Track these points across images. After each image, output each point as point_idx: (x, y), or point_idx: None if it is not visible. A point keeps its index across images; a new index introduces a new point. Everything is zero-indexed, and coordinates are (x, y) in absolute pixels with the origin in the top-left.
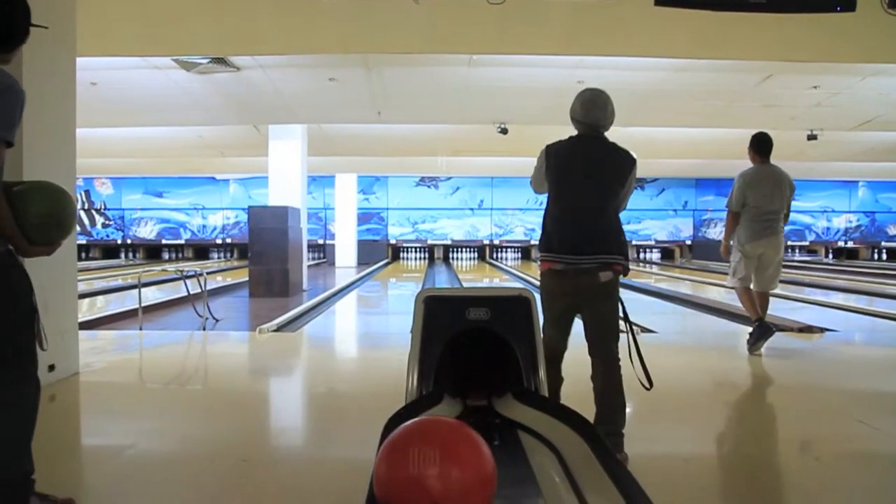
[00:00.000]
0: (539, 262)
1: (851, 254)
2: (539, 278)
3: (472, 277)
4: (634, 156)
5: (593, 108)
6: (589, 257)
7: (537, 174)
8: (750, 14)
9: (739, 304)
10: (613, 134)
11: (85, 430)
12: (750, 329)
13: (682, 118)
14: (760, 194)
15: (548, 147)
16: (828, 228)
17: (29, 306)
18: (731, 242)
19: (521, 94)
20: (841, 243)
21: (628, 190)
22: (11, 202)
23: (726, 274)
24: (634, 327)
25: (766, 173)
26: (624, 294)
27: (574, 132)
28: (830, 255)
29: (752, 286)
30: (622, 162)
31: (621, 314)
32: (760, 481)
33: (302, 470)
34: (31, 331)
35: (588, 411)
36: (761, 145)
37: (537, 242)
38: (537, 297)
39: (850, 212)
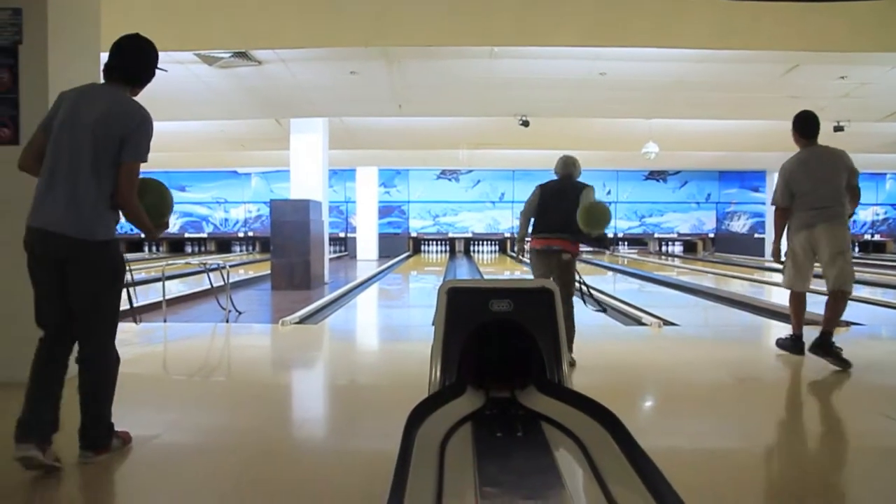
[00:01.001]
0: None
1: (878, 247)
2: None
3: (494, 270)
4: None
5: (566, 168)
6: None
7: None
8: (773, 4)
9: (762, 298)
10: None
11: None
12: (777, 323)
13: (704, 110)
14: (809, 181)
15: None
16: (854, 221)
17: (113, 285)
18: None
19: (542, 87)
20: (868, 236)
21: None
22: None
23: (749, 267)
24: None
25: (814, 156)
26: (646, 287)
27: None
28: (857, 249)
29: (807, 288)
30: (582, 188)
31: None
32: (783, 475)
33: (324, 462)
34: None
35: (609, 403)
36: (805, 125)
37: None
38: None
39: (877, 204)
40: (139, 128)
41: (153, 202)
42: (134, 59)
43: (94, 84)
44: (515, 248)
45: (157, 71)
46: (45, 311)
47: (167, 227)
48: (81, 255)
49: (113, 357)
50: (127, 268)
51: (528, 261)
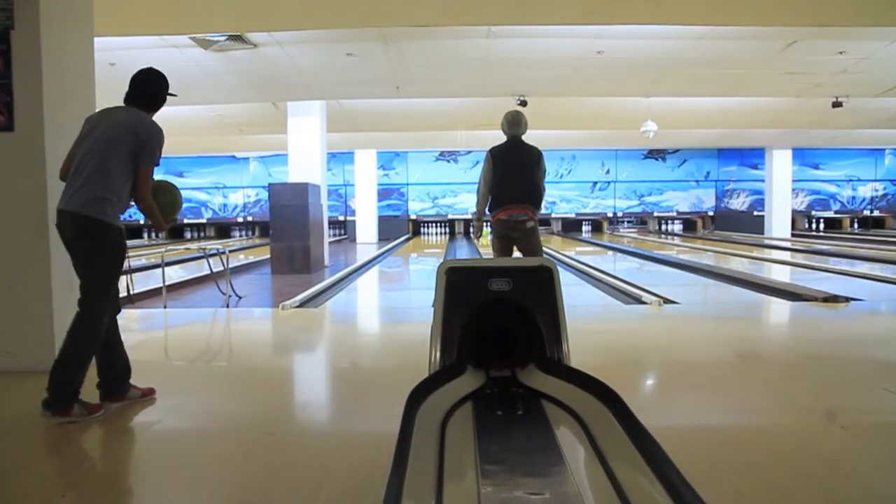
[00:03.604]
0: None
1: (877, 223)
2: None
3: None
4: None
5: (514, 126)
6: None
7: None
8: None
9: (761, 275)
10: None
11: (113, 406)
12: (777, 300)
13: (703, 87)
14: None
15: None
16: (853, 197)
17: (120, 264)
18: None
19: (540, 66)
20: (867, 212)
21: (542, 171)
22: None
23: (749, 245)
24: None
25: None
26: (646, 265)
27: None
28: (856, 225)
29: None
30: (533, 153)
31: None
32: (785, 450)
33: (326, 444)
34: (117, 279)
35: (610, 382)
36: None
37: (556, 215)
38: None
39: (876, 180)
40: (151, 138)
41: (165, 201)
42: (147, 88)
43: (116, 106)
44: (472, 228)
45: (168, 97)
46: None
47: (176, 221)
48: (79, 228)
49: (94, 332)
50: (126, 255)
51: (485, 244)
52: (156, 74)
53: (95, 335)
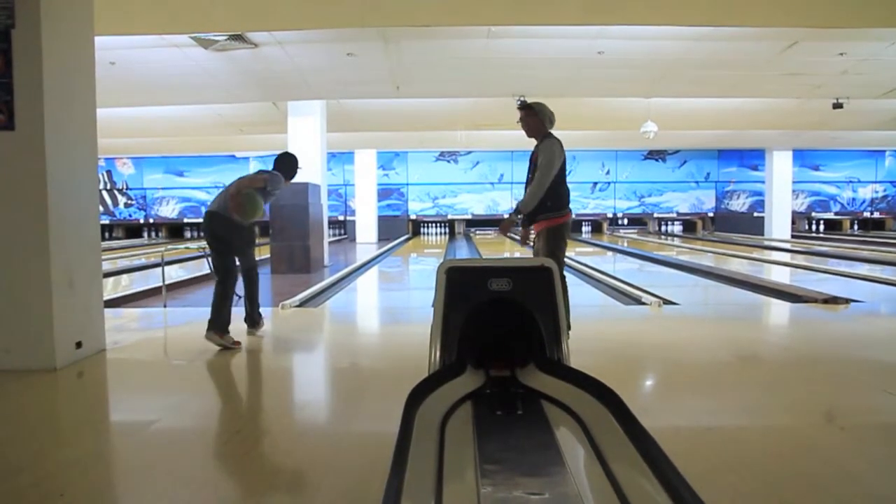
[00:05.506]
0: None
1: (878, 224)
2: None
3: (494, 252)
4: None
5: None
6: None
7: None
8: None
9: (761, 276)
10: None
11: (112, 405)
12: (777, 302)
13: (703, 88)
14: None
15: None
16: (853, 199)
17: (252, 238)
18: None
19: (540, 66)
20: (867, 214)
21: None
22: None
23: (749, 246)
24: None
25: None
26: (646, 266)
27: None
28: (856, 226)
29: None
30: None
31: None
32: (785, 450)
33: (325, 443)
34: (252, 247)
35: (609, 382)
36: None
37: None
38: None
39: (876, 182)
40: (270, 179)
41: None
42: (285, 165)
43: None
44: (517, 230)
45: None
46: (217, 262)
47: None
48: (226, 224)
49: (255, 272)
50: (255, 236)
51: (530, 244)
52: (292, 157)
53: (255, 277)
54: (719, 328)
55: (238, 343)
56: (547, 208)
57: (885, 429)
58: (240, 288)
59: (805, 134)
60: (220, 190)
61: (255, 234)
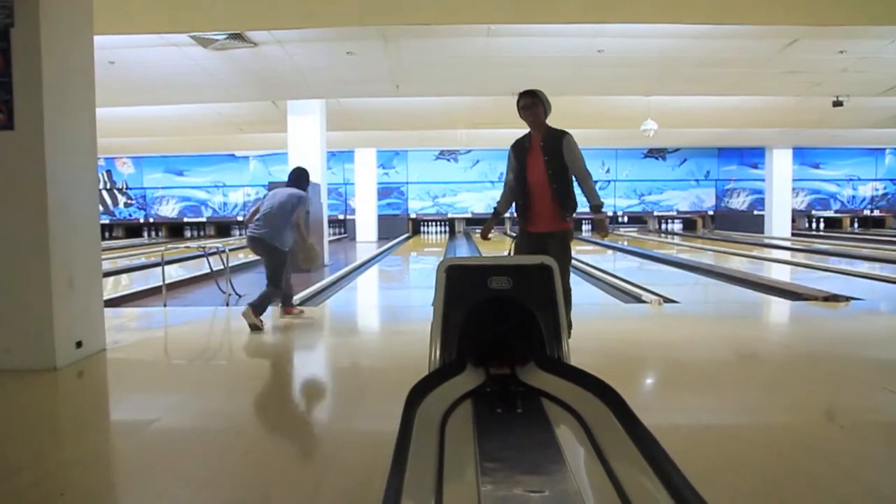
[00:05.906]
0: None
1: (878, 222)
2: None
3: (494, 251)
4: None
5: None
6: None
7: None
8: None
9: (761, 274)
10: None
11: (112, 405)
12: (777, 300)
13: (703, 86)
14: None
15: None
16: (853, 197)
17: (282, 262)
18: None
19: (540, 65)
20: (867, 212)
21: None
22: None
23: (749, 244)
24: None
25: None
26: (646, 264)
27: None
28: (856, 224)
29: None
30: None
31: None
32: (785, 450)
33: (326, 442)
34: (282, 270)
35: (609, 380)
36: None
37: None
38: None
39: (876, 179)
40: (300, 201)
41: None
42: (304, 180)
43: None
44: (597, 226)
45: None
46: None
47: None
48: (267, 247)
49: (275, 287)
50: (286, 257)
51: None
52: (303, 171)
53: (273, 292)
54: (719, 326)
55: (262, 325)
56: (571, 208)
57: (886, 427)
58: (252, 286)
59: (805, 132)
60: (261, 213)
61: (286, 257)
